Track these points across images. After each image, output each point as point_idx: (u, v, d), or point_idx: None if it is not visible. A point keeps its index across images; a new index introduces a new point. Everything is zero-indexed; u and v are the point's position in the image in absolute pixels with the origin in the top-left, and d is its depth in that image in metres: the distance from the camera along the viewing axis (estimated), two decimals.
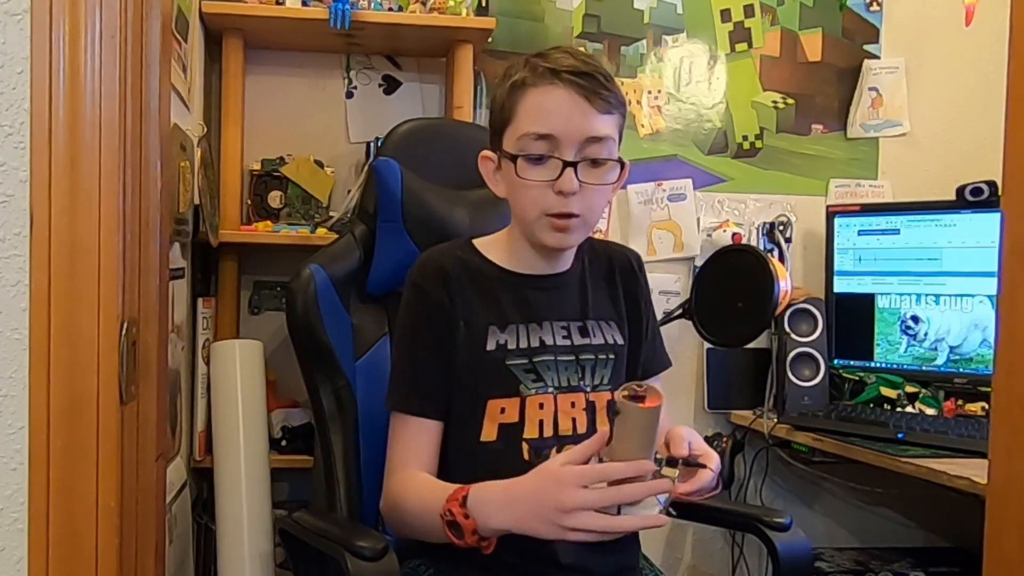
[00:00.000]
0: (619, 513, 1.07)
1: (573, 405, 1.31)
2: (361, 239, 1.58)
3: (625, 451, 1.06)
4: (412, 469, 1.27)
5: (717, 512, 1.68)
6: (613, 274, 1.42)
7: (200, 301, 1.99)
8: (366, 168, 1.65)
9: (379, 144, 1.71)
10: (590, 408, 1.32)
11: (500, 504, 1.11)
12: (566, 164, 1.22)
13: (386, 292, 1.58)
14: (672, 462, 1.14)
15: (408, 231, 1.55)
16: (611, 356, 1.37)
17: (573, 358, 1.33)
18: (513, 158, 1.25)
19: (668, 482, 1.09)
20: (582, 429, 1.30)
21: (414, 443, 1.28)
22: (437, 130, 1.75)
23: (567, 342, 1.34)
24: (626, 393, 1.06)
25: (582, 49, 1.27)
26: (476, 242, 1.38)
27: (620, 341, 1.39)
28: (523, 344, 1.31)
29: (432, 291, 1.30)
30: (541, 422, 1.29)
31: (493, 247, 1.37)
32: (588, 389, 1.33)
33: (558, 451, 1.26)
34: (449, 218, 1.58)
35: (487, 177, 1.34)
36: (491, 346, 1.29)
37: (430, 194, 1.59)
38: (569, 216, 1.25)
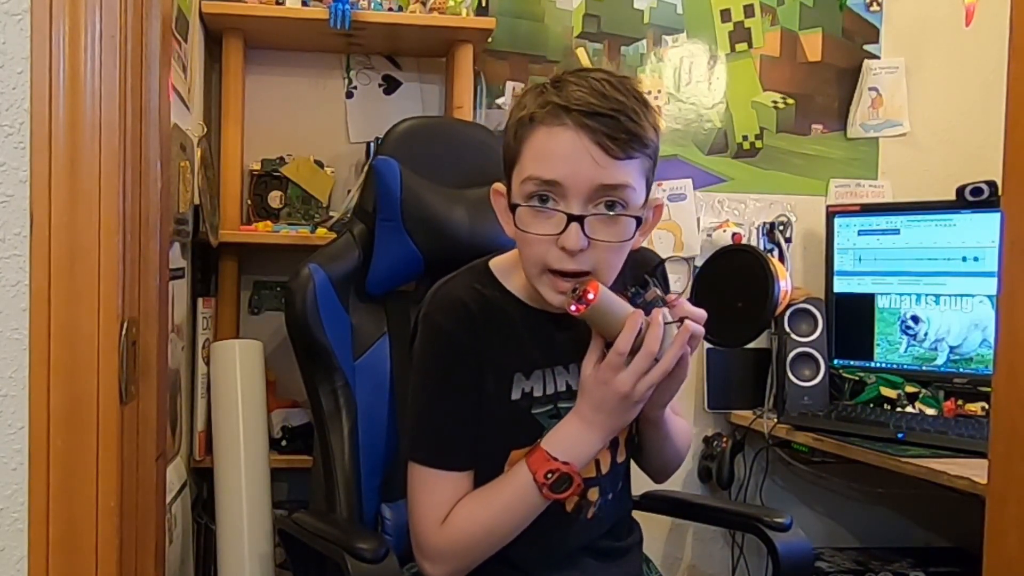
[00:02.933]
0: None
1: None
2: (360, 238, 1.58)
3: (612, 334, 1.13)
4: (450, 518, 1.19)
5: (717, 512, 1.69)
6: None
7: (200, 301, 1.99)
8: (366, 167, 1.65)
9: (379, 143, 1.71)
10: (612, 444, 1.26)
11: (583, 434, 1.15)
12: (571, 218, 1.09)
13: (385, 292, 1.58)
14: (640, 286, 1.17)
15: (407, 230, 1.55)
16: None
17: None
18: (513, 207, 1.14)
19: (658, 308, 1.15)
20: (605, 468, 1.26)
21: (449, 497, 1.19)
22: (436, 129, 1.75)
23: None
24: (574, 308, 1.11)
25: (611, 68, 1.13)
26: (494, 265, 1.27)
27: None
28: (549, 390, 1.23)
29: (458, 334, 1.19)
30: None
31: (513, 273, 1.24)
32: None
33: (580, 498, 1.23)
34: (449, 217, 1.58)
35: (498, 212, 1.22)
36: (516, 395, 1.22)
37: (429, 193, 1.58)
38: (575, 275, 1.12)
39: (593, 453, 1.18)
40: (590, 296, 1.10)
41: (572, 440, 1.16)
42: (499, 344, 1.21)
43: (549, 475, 1.14)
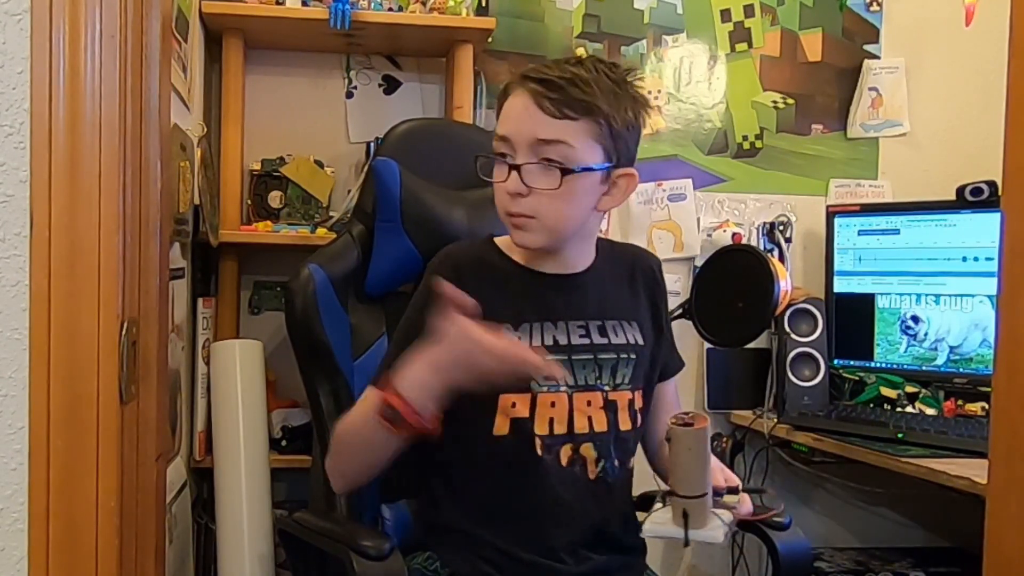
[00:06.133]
0: (687, 541, 1.16)
1: (589, 404, 1.32)
2: (359, 239, 1.58)
3: (681, 472, 1.15)
4: None
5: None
6: (634, 277, 1.43)
7: (200, 301, 1.99)
8: (365, 168, 1.66)
9: (379, 144, 1.71)
10: (610, 407, 1.33)
11: (426, 376, 1.17)
12: (511, 167, 1.26)
13: (384, 292, 1.58)
14: (734, 490, 1.22)
15: (407, 231, 1.55)
16: (632, 356, 1.36)
17: (591, 357, 1.33)
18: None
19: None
20: (600, 427, 1.31)
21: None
22: (436, 130, 1.75)
23: (585, 341, 1.34)
24: (674, 420, 1.14)
25: (587, 55, 1.31)
26: (497, 239, 1.39)
27: (640, 342, 1.39)
28: (536, 343, 1.30)
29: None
30: (551, 419, 1.29)
31: (513, 245, 1.36)
32: (607, 388, 1.34)
33: (572, 449, 1.30)
34: (448, 218, 1.58)
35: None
36: None
37: (429, 194, 1.58)
38: (521, 216, 1.27)
39: (426, 389, 1.17)
40: (694, 425, 1.13)
41: (416, 379, 1.17)
42: (487, 296, 1.27)
43: (386, 408, 1.16)
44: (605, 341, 1.35)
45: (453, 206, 1.60)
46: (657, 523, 1.16)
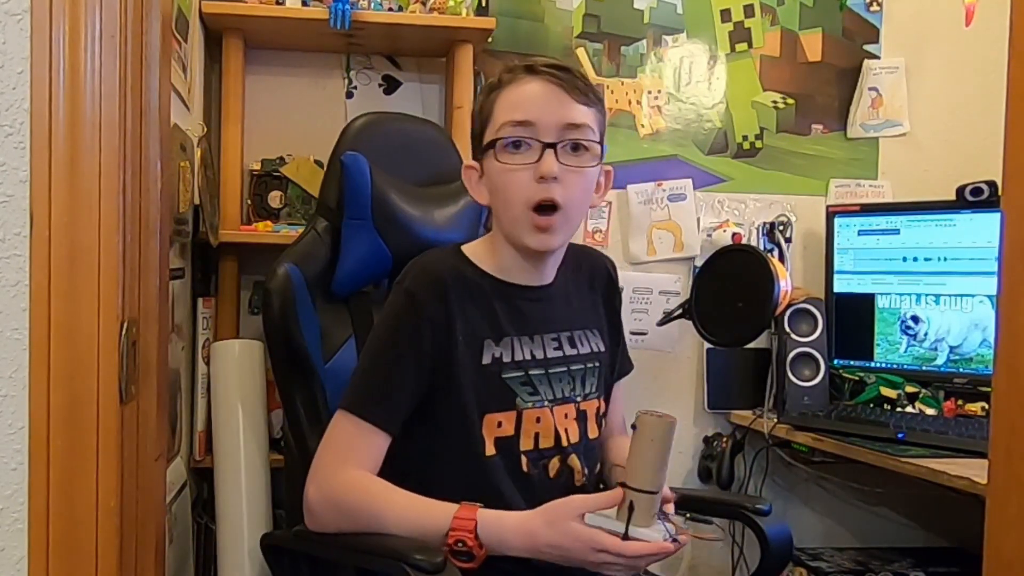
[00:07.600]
0: (626, 534, 1.11)
1: (567, 416, 1.33)
2: (324, 236, 1.53)
3: (639, 462, 1.11)
4: (361, 471, 1.23)
5: (703, 503, 1.68)
6: (592, 281, 1.44)
7: (200, 301, 1.99)
8: (327, 162, 1.61)
9: (337, 140, 1.65)
10: (581, 417, 1.35)
11: (519, 542, 1.14)
12: (546, 146, 1.21)
13: (349, 292, 1.54)
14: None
15: (377, 228, 1.51)
16: (596, 364, 1.39)
17: (565, 369, 1.34)
18: (492, 144, 1.24)
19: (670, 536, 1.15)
20: (575, 438, 1.33)
21: (362, 447, 1.23)
22: (391, 125, 1.70)
23: (559, 354, 1.34)
24: (643, 412, 1.12)
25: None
26: (465, 249, 1.35)
27: (602, 348, 1.41)
28: (518, 357, 1.30)
29: (428, 305, 1.25)
30: (536, 435, 1.29)
31: (483, 255, 1.33)
32: (579, 399, 1.35)
33: (560, 461, 1.31)
34: (417, 215, 1.56)
35: (470, 187, 1.32)
36: (487, 360, 1.28)
37: (395, 191, 1.55)
38: (551, 209, 1.22)
39: (508, 553, 1.16)
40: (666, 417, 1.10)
41: (505, 538, 1.15)
42: (470, 313, 1.27)
43: (460, 544, 1.13)
44: (575, 352, 1.36)
45: (420, 203, 1.57)
46: (601, 514, 1.13)
